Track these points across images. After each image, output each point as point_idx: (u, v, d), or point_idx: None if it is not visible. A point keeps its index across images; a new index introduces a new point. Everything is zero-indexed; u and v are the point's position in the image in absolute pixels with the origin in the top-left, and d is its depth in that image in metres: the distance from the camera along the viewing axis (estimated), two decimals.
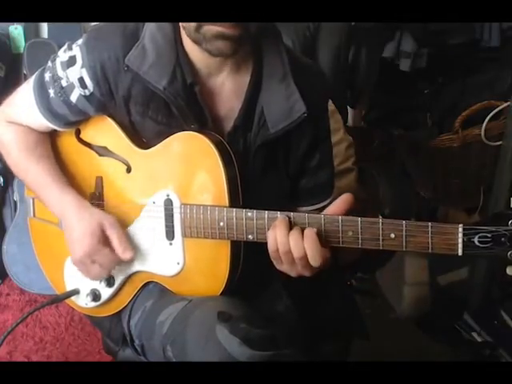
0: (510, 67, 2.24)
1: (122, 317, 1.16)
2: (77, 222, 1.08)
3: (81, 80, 1.05)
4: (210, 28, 0.93)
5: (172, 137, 1.04)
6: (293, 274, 0.98)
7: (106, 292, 1.15)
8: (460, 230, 0.85)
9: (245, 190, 1.02)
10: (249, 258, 1.04)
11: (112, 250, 1.07)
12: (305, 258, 0.93)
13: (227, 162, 1.01)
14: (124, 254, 1.06)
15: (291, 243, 0.93)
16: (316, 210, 1.15)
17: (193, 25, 0.95)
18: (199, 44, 0.97)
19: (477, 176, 2.20)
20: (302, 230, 0.94)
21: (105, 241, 1.06)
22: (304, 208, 1.16)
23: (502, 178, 1.82)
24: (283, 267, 0.98)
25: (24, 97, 1.13)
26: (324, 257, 0.93)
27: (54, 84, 1.08)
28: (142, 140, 1.10)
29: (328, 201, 1.17)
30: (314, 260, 0.92)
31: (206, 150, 1.00)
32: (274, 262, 0.98)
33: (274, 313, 1.11)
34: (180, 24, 1.01)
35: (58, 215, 1.13)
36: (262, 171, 1.09)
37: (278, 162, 1.11)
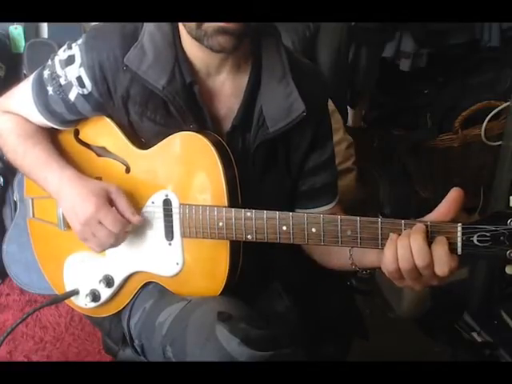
0: (510, 67, 2.24)
1: (122, 317, 1.16)
2: (80, 188, 1.04)
3: (79, 79, 1.05)
4: (212, 23, 0.93)
5: (171, 137, 1.04)
6: (417, 287, 0.89)
7: (105, 292, 1.15)
8: (459, 229, 0.85)
9: (244, 190, 1.02)
10: (248, 257, 1.04)
11: (119, 212, 1.03)
12: (431, 265, 0.85)
13: (226, 161, 1.00)
14: (134, 216, 1.03)
15: (414, 254, 0.85)
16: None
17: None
18: (200, 41, 0.96)
19: (477, 176, 2.20)
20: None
21: (111, 202, 1.03)
22: (308, 211, 1.12)
23: (502, 178, 1.82)
24: (404, 283, 0.89)
25: (23, 93, 1.13)
26: (452, 265, 0.85)
27: (53, 82, 1.08)
28: (141, 140, 1.10)
29: (333, 204, 1.15)
30: (442, 271, 0.84)
31: (205, 150, 1.00)
32: (395, 281, 0.90)
33: (274, 313, 1.11)
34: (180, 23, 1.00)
35: (56, 192, 1.08)
36: (262, 171, 1.09)
37: (278, 161, 1.11)
